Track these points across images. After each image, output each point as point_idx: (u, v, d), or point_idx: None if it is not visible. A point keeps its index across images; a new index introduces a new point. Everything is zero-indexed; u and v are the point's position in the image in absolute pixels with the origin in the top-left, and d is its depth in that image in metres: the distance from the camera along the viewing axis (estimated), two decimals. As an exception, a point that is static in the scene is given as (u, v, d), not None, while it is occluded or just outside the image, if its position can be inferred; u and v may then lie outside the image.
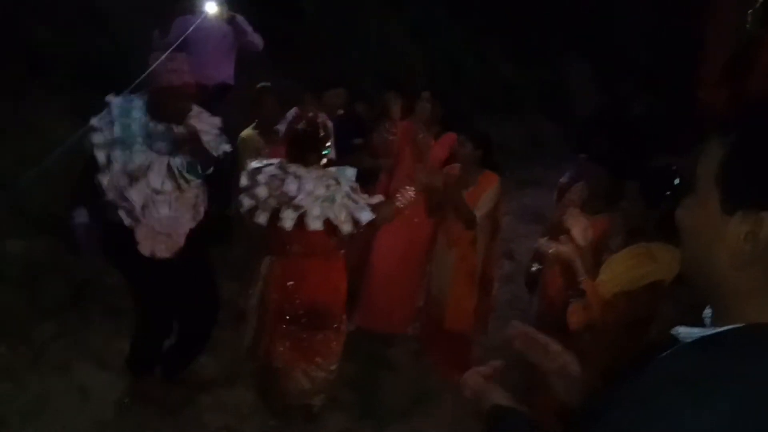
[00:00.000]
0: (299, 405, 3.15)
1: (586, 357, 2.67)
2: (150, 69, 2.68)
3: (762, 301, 0.79)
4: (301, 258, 2.90)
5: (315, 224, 2.75)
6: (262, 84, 3.96)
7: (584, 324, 2.53)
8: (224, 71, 4.86)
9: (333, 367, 3.09)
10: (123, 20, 5.41)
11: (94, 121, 2.67)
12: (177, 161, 2.72)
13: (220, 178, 3.21)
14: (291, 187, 2.74)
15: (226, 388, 3.14)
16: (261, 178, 2.81)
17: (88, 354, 3.35)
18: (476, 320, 3.66)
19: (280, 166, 2.85)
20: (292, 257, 2.90)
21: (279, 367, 3.01)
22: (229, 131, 3.55)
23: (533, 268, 3.21)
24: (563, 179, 3.79)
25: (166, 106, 2.69)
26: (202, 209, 2.92)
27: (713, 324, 0.82)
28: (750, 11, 5.33)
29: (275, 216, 2.76)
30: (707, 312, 0.85)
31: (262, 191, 2.78)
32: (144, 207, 2.68)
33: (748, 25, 5.38)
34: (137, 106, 2.70)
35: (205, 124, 2.85)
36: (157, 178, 2.69)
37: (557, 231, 2.86)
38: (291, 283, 2.92)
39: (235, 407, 3.25)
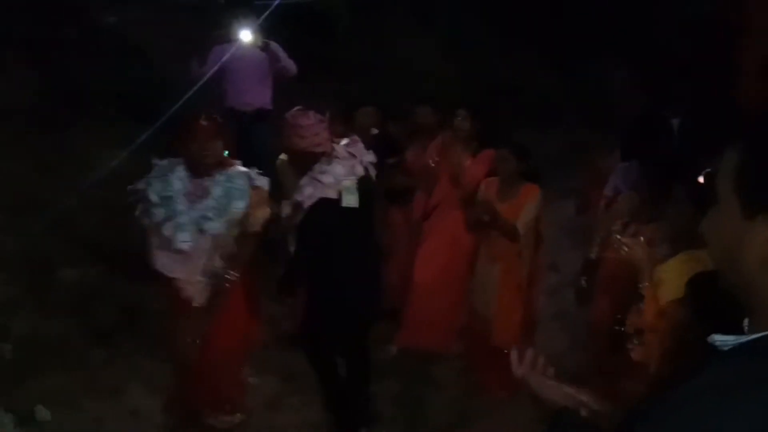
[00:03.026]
0: None
1: (639, 365, 2.62)
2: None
3: None
4: None
5: None
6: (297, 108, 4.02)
7: (638, 331, 2.49)
8: (262, 97, 4.95)
9: None
10: (163, 54, 5.60)
11: None
12: None
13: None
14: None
15: (271, 411, 3.16)
16: None
17: (139, 378, 3.43)
18: (521, 334, 3.59)
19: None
20: None
21: None
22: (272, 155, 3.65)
23: (583, 282, 3.16)
24: (607, 189, 3.71)
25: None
26: None
27: (750, 331, 0.81)
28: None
29: None
30: (747, 321, 0.84)
31: None
32: None
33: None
34: None
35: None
36: None
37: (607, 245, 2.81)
38: None
39: (281, 428, 3.27)
